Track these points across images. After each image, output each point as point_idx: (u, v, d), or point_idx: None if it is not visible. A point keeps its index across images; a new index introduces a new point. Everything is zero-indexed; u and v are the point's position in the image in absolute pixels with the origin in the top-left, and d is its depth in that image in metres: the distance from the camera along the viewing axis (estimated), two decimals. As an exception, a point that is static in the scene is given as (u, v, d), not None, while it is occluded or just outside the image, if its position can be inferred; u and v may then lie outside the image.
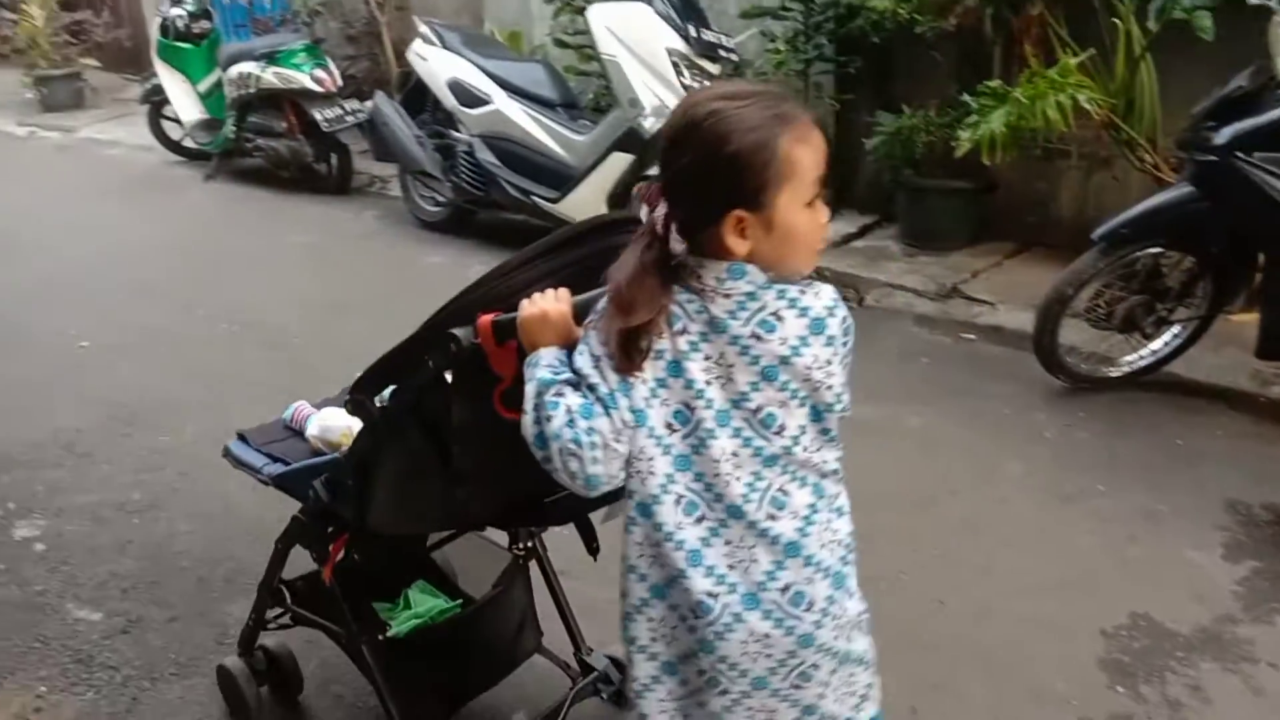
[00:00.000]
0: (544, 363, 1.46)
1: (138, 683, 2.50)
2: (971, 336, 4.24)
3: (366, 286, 4.98)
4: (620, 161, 4.77)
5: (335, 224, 6.01)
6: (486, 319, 1.52)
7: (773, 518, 1.43)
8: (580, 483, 1.41)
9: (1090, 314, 3.67)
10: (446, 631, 2.21)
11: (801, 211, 1.39)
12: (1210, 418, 3.53)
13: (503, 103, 5.15)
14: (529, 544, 2.26)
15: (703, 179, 1.37)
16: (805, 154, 1.37)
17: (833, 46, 5.30)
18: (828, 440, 1.47)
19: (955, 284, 4.59)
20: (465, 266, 5.11)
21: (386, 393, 1.79)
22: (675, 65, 4.56)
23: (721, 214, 1.36)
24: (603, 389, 1.40)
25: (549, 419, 1.41)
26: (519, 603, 2.31)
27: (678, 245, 1.39)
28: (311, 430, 2.14)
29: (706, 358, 1.40)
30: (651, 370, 1.40)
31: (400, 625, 2.22)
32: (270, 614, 2.29)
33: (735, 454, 1.41)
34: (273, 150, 6.53)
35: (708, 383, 1.40)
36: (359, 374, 1.79)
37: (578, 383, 1.44)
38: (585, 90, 5.95)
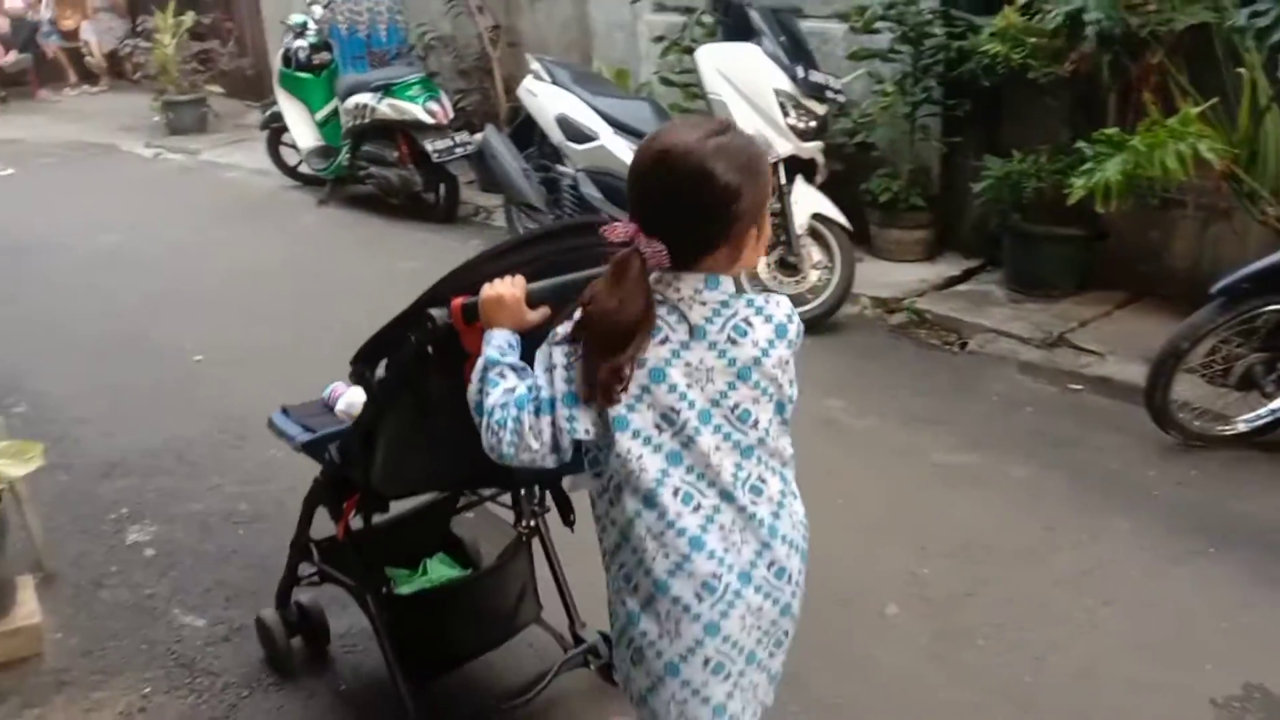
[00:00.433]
0: (494, 343, 1.66)
1: (237, 690, 2.58)
2: (1078, 387, 4.12)
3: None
4: (722, 198, 4.78)
5: (441, 252, 6.14)
6: (457, 301, 1.75)
7: (754, 503, 1.60)
8: (495, 455, 1.61)
9: (1206, 369, 3.55)
10: (447, 595, 2.45)
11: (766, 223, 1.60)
12: (1333, 483, 3.38)
13: (609, 139, 5.22)
14: (533, 523, 2.43)
15: (715, 207, 1.50)
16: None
17: (941, 89, 5.27)
18: (785, 429, 1.65)
19: (1062, 332, 4.48)
20: (564, 297, 5.18)
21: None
22: (782, 105, 4.58)
23: (725, 236, 1.52)
24: (544, 394, 1.58)
25: (486, 394, 1.62)
26: (520, 575, 2.52)
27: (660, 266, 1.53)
28: (340, 406, 2.45)
29: (687, 364, 1.54)
30: (635, 380, 1.53)
31: (404, 586, 2.47)
32: (303, 572, 2.54)
33: (718, 448, 1.57)
34: (384, 178, 6.73)
35: (689, 386, 1.55)
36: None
37: (523, 368, 1.64)
38: (689, 127, 6.00)
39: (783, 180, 4.62)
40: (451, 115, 6.56)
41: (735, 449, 1.58)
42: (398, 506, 2.38)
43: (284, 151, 7.74)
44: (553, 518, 2.37)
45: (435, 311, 1.77)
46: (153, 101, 9.93)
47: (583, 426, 1.57)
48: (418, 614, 2.39)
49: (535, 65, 5.65)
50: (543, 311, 1.71)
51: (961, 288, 5.10)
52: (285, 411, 2.52)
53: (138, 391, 4.27)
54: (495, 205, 6.55)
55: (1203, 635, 2.68)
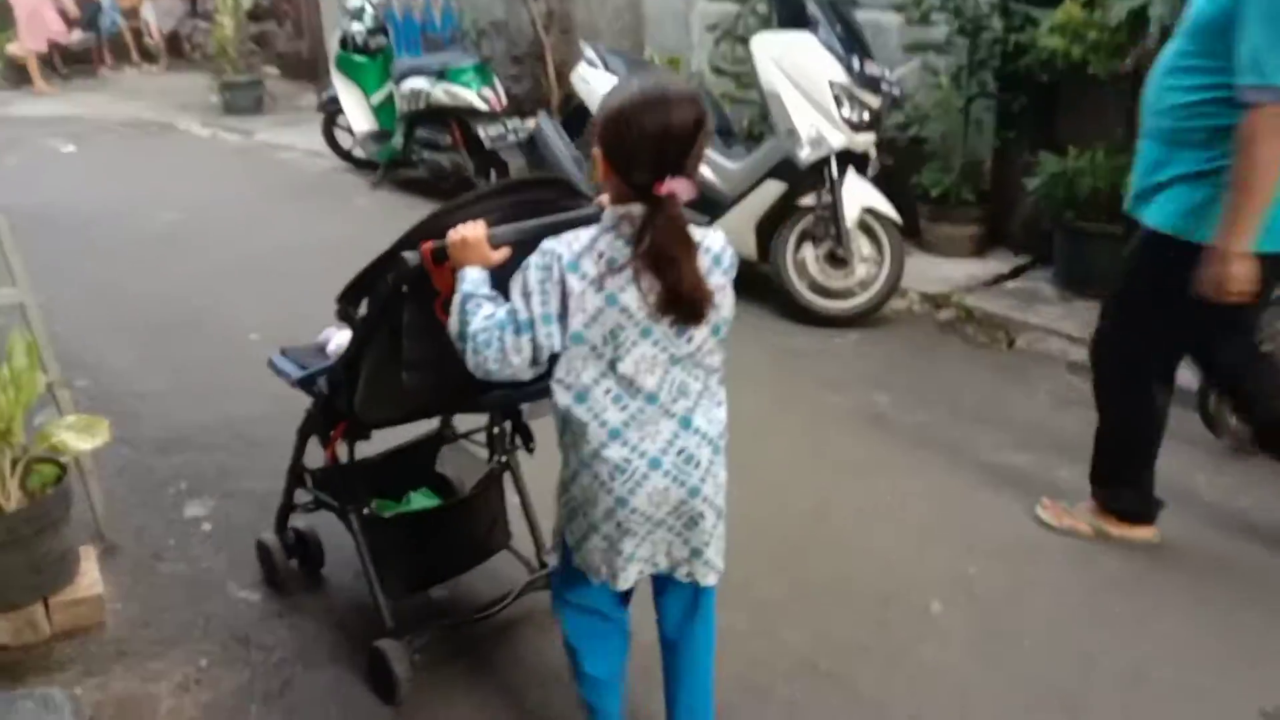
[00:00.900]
0: (469, 279, 1.94)
1: (291, 665, 2.63)
2: (1129, 388, 4.08)
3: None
4: (773, 189, 4.78)
5: (490, 236, 6.20)
6: (427, 245, 2.02)
7: (675, 401, 1.90)
8: (480, 372, 1.91)
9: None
10: (424, 519, 2.71)
11: None
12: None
13: (660, 127, 5.22)
14: (504, 458, 2.73)
15: (680, 142, 1.77)
16: None
17: (997, 83, 5.22)
18: (719, 345, 1.95)
19: (1114, 333, 4.43)
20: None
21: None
22: (836, 97, 4.55)
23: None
24: (522, 316, 1.84)
25: (468, 322, 1.90)
26: (493, 505, 2.80)
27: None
28: (330, 347, 2.73)
29: (638, 289, 1.81)
30: (593, 302, 1.82)
31: (386, 512, 2.71)
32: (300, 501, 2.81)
33: (654, 357, 1.86)
34: (436, 163, 6.79)
35: (638, 307, 1.82)
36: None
37: (495, 297, 1.93)
38: (739, 117, 6.00)
39: (834, 173, 4.61)
40: (504, 101, 6.60)
41: (669, 359, 1.88)
42: (384, 444, 2.78)
43: (338, 134, 7.83)
44: (524, 457, 2.68)
45: (408, 254, 2.05)
46: (210, 81, 10.09)
47: (558, 340, 1.86)
48: (397, 535, 2.64)
49: (589, 52, 5.67)
50: (504, 252, 1.98)
51: (1011, 285, 5.06)
52: (284, 352, 2.79)
53: (195, 368, 4.36)
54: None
55: (1253, 643, 2.66)
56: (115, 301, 5.17)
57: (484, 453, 2.79)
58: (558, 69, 7.29)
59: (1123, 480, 3.09)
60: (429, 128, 6.83)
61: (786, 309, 4.80)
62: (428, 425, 2.91)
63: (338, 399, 2.47)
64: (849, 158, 4.67)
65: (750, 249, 4.92)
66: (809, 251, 4.76)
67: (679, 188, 1.76)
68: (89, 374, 4.29)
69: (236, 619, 2.82)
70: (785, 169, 4.70)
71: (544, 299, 1.83)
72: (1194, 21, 2.62)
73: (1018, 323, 4.61)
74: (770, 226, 4.84)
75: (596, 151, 1.84)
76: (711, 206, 5.01)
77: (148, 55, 13.01)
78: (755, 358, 4.42)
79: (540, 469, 2.51)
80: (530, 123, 6.36)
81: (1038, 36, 4.59)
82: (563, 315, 1.84)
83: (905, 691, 2.52)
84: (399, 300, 2.15)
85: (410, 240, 2.08)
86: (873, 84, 4.63)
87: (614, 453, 1.89)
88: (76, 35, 11.92)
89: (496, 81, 6.68)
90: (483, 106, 6.47)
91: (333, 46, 7.65)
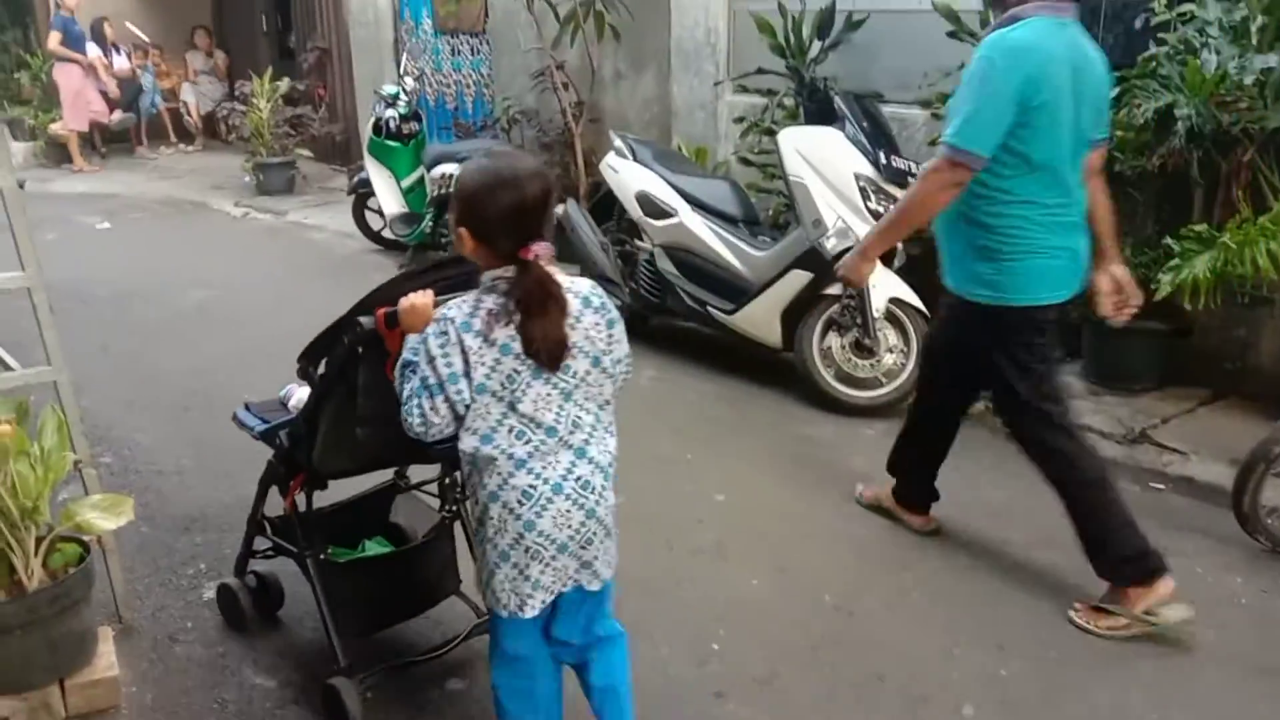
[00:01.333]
0: (409, 347, 2.15)
1: (306, 757, 2.59)
2: (1161, 486, 4.02)
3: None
4: (798, 279, 4.80)
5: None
6: (381, 310, 2.24)
7: (571, 433, 2.13)
8: (413, 433, 2.13)
9: (1298, 475, 3.44)
10: (377, 565, 2.90)
11: None
12: None
13: (687, 216, 5.28)
14: (453, 508, 2.87)
15: (535, 212, 2.06)
16: None
17: (1023, 178, 5.26)
18: (604, 376, 2.17)
19: (1144, 429, 4.39)
20: (636, 370, 5.19)
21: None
22: (862, 190, 4.60)
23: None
24: (431, 380, 2.07)
25: (402, 389, 2.14)
26: (442, 552, 2.96)
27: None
28: (291, 402, 2.91)
29: (521, 338, 2.06)
30: (490, 355, 2.06)
31: (339, 555, 2.88)
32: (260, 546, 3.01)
33: (549, 395, 2.10)
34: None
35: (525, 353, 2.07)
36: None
37: None
38: (765, 207, 6.06)
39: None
40: (533, 187, 6.68)
41: (560, 393, 2.11)
42: (340, 494, 3.00)
43: (369, 216, 7.96)
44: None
45: (364, 319, 2.28)
46: (244, 162, 10.30)
47: (466, 395, 2.07)
48: (351, 580, 2.82)
49: (618, 142, 5.76)
50: None
51: (1039, 377, 5.02)
52: (247, 406, 3.01)
53: (219, 446, 4.35)
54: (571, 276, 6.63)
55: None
56: (144, 377, 5.21)
57: (435, 502, 2.95)
58: (586, 157, 7.41)
59: (912, 473, 3.66)
60: (458, 212, 6.92)
61: (812, 398, 4.78)
62: (382, 476, 3.11)
63: (298, 451, 2.67)
64: (875, 249, 4.69)
65: (775, 337, 4.93)
66: (835, 340, 4.76)
67: (541, 250, 2.05)
68: (114, 449, 4.31)
69: (252, 706, 2.77)
70: (811, 259, 4.73)
71: (447, 361, 2.06)
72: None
73: (1046, 416, 4.56)
74: (796, 315, 4.85)
75: (460, 230, 2.10)
76: (737, 294, 5.05)
77: (185, 135, 13.33)
78: (780, 447, 4.39)
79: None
80: (558, 209, 6.43)
81: (1063, 133, 4.63)
82: (467, 372, 2.07)
83: (937, 800, 2.44)
84: (355, 360, 2.38)
85: (366, 306, 2.30)
86: (899, 177, 4.68)
87: (521, 480, 2.10)
88: (117, 115, 12.24)
89: (526, 168, 6.77)
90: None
91: (366, 131, 7.81)
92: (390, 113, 7.49)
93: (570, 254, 5.94)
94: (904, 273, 4.81)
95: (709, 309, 5.19)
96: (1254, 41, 4.02)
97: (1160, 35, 4.37)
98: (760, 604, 3.24)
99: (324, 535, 2.84)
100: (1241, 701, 2.78)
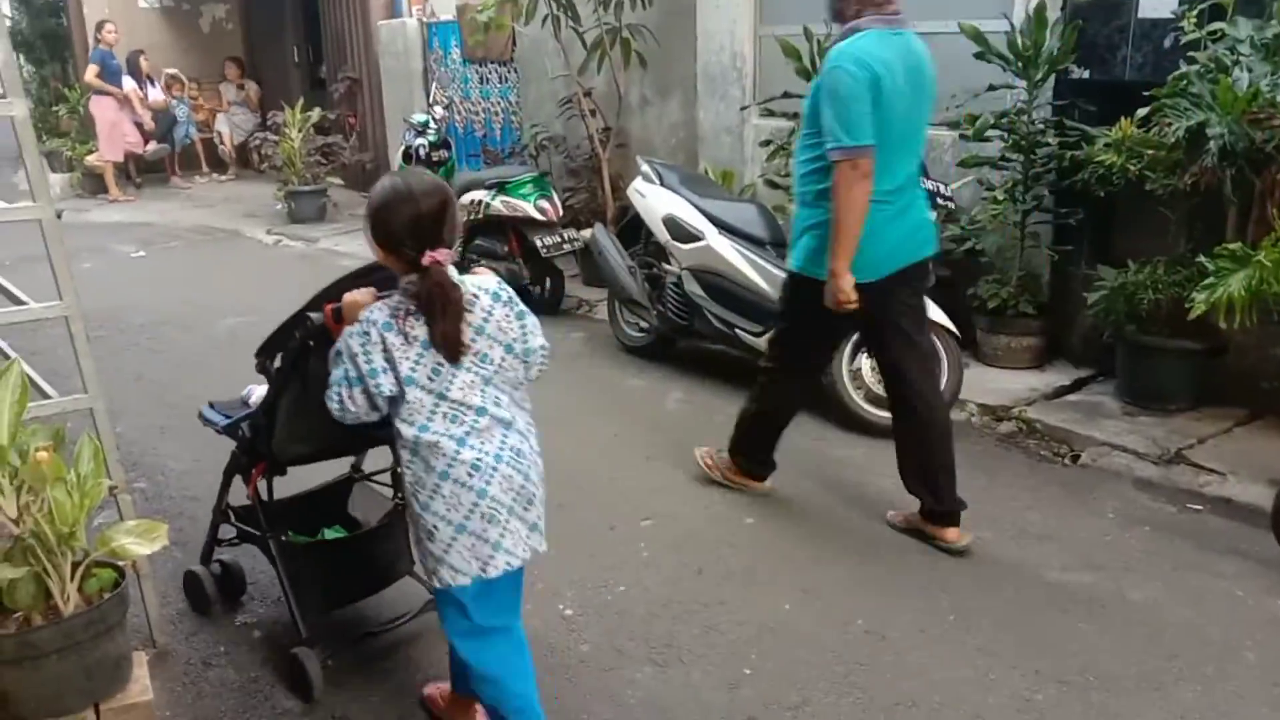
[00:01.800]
0: (341, 340, 2.37)
1: (337, 782, 2.60)
2: (1198, 507, 3.96)
3: (572, 404, 5.14)
4: (827, 301, 4.79)
5: (547, 340, 6.25)
6: (329, 307, 2.49)
7: (497, 410, 2.38)
8: (337, 418, 2.39)
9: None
10: (333, 547, 3.15)
11: None
12: None
13: (714, 239, 5.29)
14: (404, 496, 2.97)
15: (433, 224, 2.29)
16: None
17: (1053, 198, 5.24)
18: (520, 363, 2.43)
19: (1180, 449, 4.33)
20: (664, 392, 5.21)
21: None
22: (891, 211, 4.58)
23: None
24: (352, 373, 2.33)
25: (332, 374, 2.38)
26: (395, 537, 3.15)
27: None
28: (252, 400, 3.11)
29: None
30: (413, 350, 2.30)
31: (298, 539, 3.11)
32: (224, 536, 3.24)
33: (472, 381, 2.34)
34: (494, 271, 6.90)
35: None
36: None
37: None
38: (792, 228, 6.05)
39: (890, 285, 4.61)
40: (561, 213, 6.73)
41: (481, 379, 2.35)
42: (301, 487, 3.27)
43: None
44: None
45: (313, 315, 2.54)
46: (276, 191, 10.43)
47: (388, 387, 2.31)
48: (309, 561, 3.05)
49: (645, 167, 5.79)
50: None
51: (1072, 398, 4.98)
52: (212, 405, 3.24)
53: (251, 472, 4.39)
54: (598, 299, 6.66)
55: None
56: (176, 403, 5.25)
57: (389, 491, 3.22)
58: (613, 182, 7.45)
59: (756, 449, 4.06)
60: (487, 237, 6.98)
61: (841, 420, 4.76)
62: (340, 468, 3.36)
63: (258, 441, 2.92)
64: (904, 270, 4.67)
65: (805, 359, 4.91)
66: (865, 362, 4.74)
67: (441, 256, 2.27)
68: (148, 476, 4.35)
69: (284, 731, 2.78)
70: (839, 280, 4.71)
71: (367, 358, 2.31)
72: (805, 111, 3.53)
73: (1081, 437, 4.51)
74: (825, 337, 4.83)
75: (371, 241, 2.35)
76: (765, 316, 5.04)
77: (218, 165, 13.52)
78: (810, 470, 4.37)
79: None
80: (586, 233, 6.47)
81: (1093, 153, 4.61)
82: (391, 367, 2.30)
83: (974, 828, 2.40)
84: (307, 353, 2.63)
85: (315, 304, 2.58)
86: (929, 199, 4.65)
87: (467, 455, 2.33)
88: (151, 146, 12.44)
89: (554, 193, 6.82)
90: (540, 217, 6.61)
91: (396, 159, 7.91)
92: (420, 141, 7.57)
93: (598, 277, 5.98)
94: (934, 293, 4.78)
95: (737, 331, 5.18)
96: (1286, 58, 3.99)
97: (1190, 54, 4.34)
98: (792, 628, 3.21)
99: (285, 521, 3.09)
100: (1286, 728, 2.72)
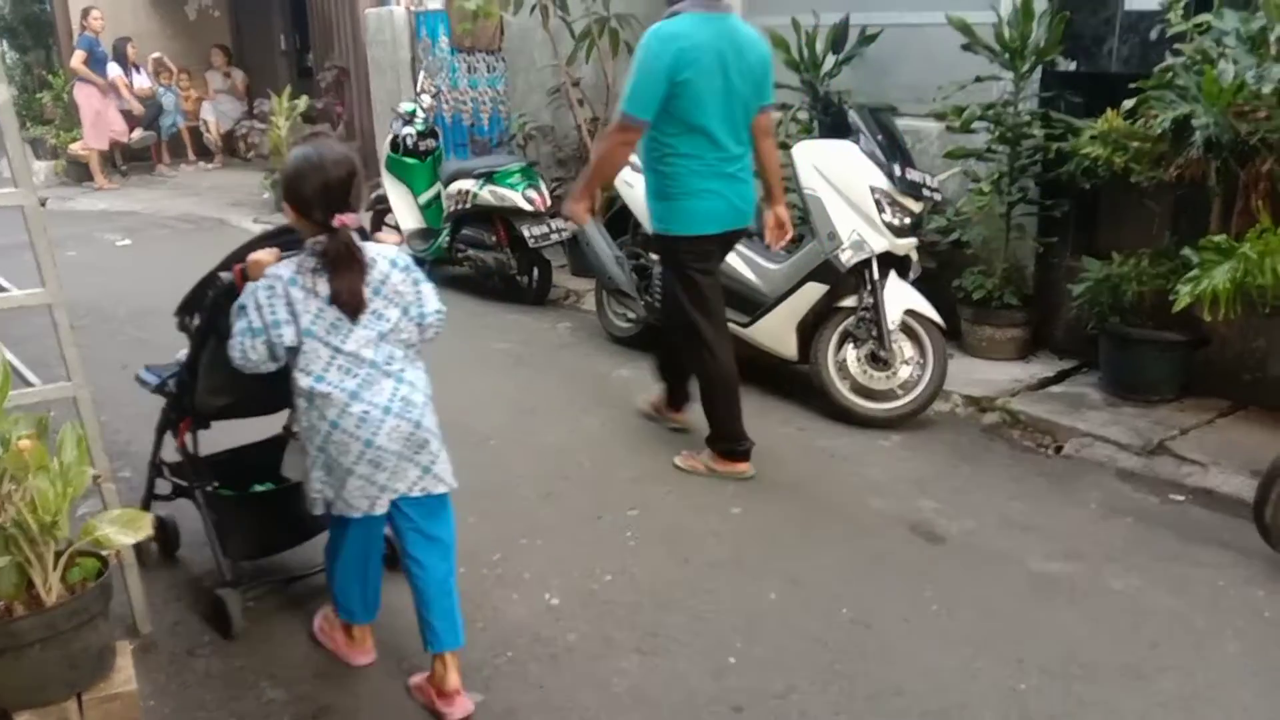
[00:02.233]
0: (244, 294, 2.61)
1: (321, 769, 2.60)
2: (1180, 498, 3.99)
3: (560, 394, 5.15)
4: (813, 291, 4.80)
5: (533, 333, 6.26)
6: (238, 267, 2.73)
7: (389, 364, 2.62)
8: (234, 363, 2.63)
9: (1320, 486, 3.40)
10: (257, 499, 3.38)
11: None
12: None
13: (702, 228, 5.28)
14: None
15: (340, 189, 2.56)
16: None
17: (1038, 189, 5.25)
18: (414, 325, 2.68)
19: (1162, 440, 4.35)
20: (651, 383, 5.20)
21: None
22: (878, 202, 4.59)
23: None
24: (256, 324, 2.57)
25: (234, 326, 2.61)
26: None
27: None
28: (180, 357, 3.27)
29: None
30: (314, 305, 2.55)
31: (224, 492, 3.31)
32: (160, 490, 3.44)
33: (368, 337, 2.59)
34: (480, 261, 6.90)
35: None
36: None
37: None
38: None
39: (876, 275, 4.62)
40: (549, 202, 6.71)
41: (378, 335, 2.60)
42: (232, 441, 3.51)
43: (386, 232, 7.98)
44: None
45: (223, 274, 2.79)
46: (263, 179, 10.37)
47: (289, 338, 2.55)
48: (234, 510, 3.30)
49: (634, 158, 5.76)
50: None
51: (1056, 389, 5.01)
52: (148, 368, 3.45)
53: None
54: (585, 289, 6.66)
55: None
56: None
57: None
58: (601, 171, 7.41)
59: (724, 426, 4.16)
60: (475, 227, 6.96)
61: (827, 410, 4.77)
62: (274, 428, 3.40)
63: (184, 396, 3.17)
64: (890, 260, 4.69)
65: (791, 349, 4.92)
66: (850, 352, 4.75)
67: (348, 219, 2.53)
68: (133, 464, 4.32)
69: None
70: (826, 271, 4.73)
71: (271, 310, 2.55)
72: None
73: (1065, 428, 4.54)
74: (811, 327, 4.85)
75: (285, 205, 2.59)
76: (752, 306, 5.04)
77: (204, 153, 13.45)
78: (796, 460, 4.38)
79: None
80: (573, 224, 6.45)
81: (1079, 145, 4.62)
82: (293, 319, 2.54)
83: (956, 815, 2.42)
84: (218, 310, 2.82)
85: (225, 265, 2.82)
86: (914, 189, 4.67)
87: (356, 408, 2.56)
88: (137, 133, 12.36)
89: (542, 183, 6.80)
90: (528, 207, 6.59)
91: (383, 149, 7.85)
92: (407, 130, 7.52)
93: (586, 267, 5.96)
94: (919, 284, 4.80)
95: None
96: (1272, 51, 3.99)
97: (1176, 46, 4.35)
98: (777, 617, 3.23)
99: (216, 475, 3.31)
100: (1269, 715, 2.74)
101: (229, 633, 3.10)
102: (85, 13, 11.65)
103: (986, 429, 4.69)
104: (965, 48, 5.09)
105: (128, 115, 12.09)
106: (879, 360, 4.68)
